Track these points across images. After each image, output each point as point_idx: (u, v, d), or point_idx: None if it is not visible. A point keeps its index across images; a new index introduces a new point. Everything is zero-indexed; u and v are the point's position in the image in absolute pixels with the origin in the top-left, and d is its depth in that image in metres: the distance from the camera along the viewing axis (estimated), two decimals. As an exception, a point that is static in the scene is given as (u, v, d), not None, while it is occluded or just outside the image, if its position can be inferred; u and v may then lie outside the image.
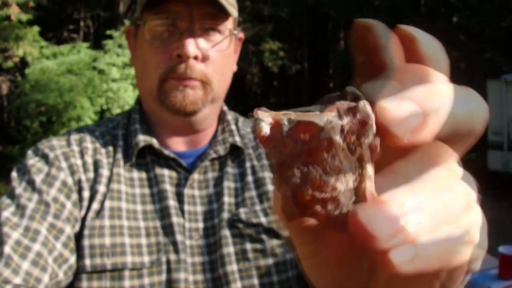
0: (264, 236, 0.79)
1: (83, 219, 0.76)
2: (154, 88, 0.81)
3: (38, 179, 0.75)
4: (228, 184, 0.83)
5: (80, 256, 0.73)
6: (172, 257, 0.75)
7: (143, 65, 0.83)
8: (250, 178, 0.85)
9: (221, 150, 0.85)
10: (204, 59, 0.79)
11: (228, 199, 0.82)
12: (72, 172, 0.78)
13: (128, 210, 0.77)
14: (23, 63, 11.64)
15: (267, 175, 0.85)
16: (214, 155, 0.85)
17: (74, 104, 10.26)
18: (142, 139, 0.82)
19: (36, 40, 11.13)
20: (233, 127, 0.90)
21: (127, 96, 10.75)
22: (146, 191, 0.80)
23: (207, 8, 0.77)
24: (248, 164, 0.87)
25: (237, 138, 0.88)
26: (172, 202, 0.79)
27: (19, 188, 0.75)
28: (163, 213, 0.78)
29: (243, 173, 0.86)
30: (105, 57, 10.84)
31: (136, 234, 0.75)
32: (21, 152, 11.01)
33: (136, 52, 0.85)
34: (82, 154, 0.81)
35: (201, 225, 0.79)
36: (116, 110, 10.75)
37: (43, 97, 10.14)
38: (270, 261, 0.78)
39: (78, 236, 0.74)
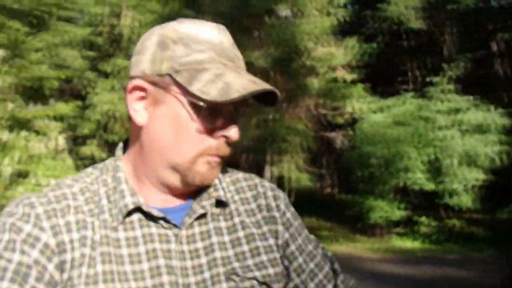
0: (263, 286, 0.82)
1: (71, 284, 0.74)
2: (183, 163, 0.80)
3: (19, 238, 0.73)
4: (218, 239, 0.84)
5: None
6: None
7: (177, 137, 0.79)
8: (241, 233, 0.87)
9: (208, 205, 0.85)
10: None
11: (219, 253, 0.83)
12: (55, 233, 0.75)
13: (119, 272, 0.76)
14: (354, 119, 12.72)
15: (260, 231, 0.88)
16: (201, 211, 0.84)
17: (401, 154, 10.48)
18: (131, 201, 0.80)
19: (363, 96, 12.05)
20: (216, 181, 0.90)
21: (455, 143, 10.30)
22: (134, 250, 0.79)
23: None
24: (237, 220, 0.88)
25: (221, 192, 0.88)
26: (162, 261, 0.79)
27: None
28: (153, 272, 0.77)
29: (233, 227, 0.87)
30: (430, 105, 10.76)
31: None
32: (353, 200, 11.92)
33: (160, 119, 0.80)
34: (63, 212, 0.78)
35: (192, 279, 0.79)
36: (445, 159, 10.44)
37: (372, 149, 10.76)
38: None
39: None
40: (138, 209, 0.81)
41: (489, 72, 13.96)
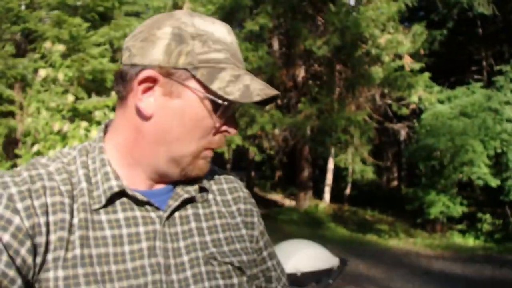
0: (234, 274, 0.87)
1: (46, 268, 0.73)
2: (189, 154, 0.83)
3: (6, 236, 0.70)
4: (196, 225, 0.87)
5: None
6: None
7: (185, 131, 0.81)
8: (217, 221, 0.91)
9: (192, 191, 0.88)
10: None
11: (198, 238, 0.86)
12: (29, 215, 0.73)
13: (99, 255, 0.76)
14: (420, 110, 12.26)
15: (235, 221, 0.94)
16: (186, 196, 0.87)
17: (466, 148, 9.97)
18: (115, 184, 0.80)
19: (429, 86, 11.56)
20: None
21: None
22: (117, 232, 0.79)
23: None
24: (214, 208, 0.92)
25: (204, 180, 0.91)
26: (144, 244, 0.80)
27: None
28: (134, 255, 0.79)
29: (210, 215, 0.91)
30: (499, 95, 10.10)
31: (109, 279, 0.75)
32: (415, 194, 11.53)
33: (169, 111, 0.80)
34: (38, 194, 0.76)
35: (172, 261, 0.82)
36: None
37: (435, 141, 10.34)
38: None
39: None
40: (121, 193, 0.81)
41: None
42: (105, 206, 0.80)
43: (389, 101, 12.76)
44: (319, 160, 18.17)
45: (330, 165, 15.78)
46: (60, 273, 0.73)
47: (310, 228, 12.39)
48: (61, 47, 7.95)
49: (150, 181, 0.86)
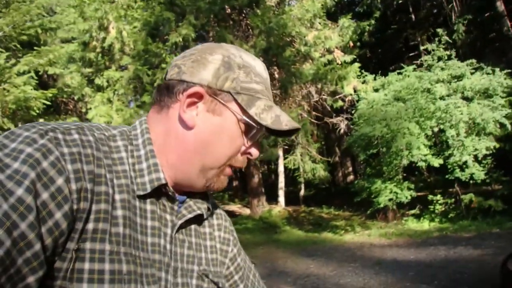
0: None
1: (84, 238, 0.72)
2: (217, 167, 0.91)
3: (33, 174, 0.67)
4: (195, 240, 0.95)
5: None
6: None
7: (218, 145, 0.89)
8: (208, 242, 0.99)
9: (202, 208, 0.96)
10: None
11: (195, 252, 0.94)
12: (77, 179, 0.72)
13: (134, 239, 0.79)
14: (357, 101, 12.34)
15: (219, 246, 1.02)
16: (198, 212, 0.94)
17: (402, 131, 10.01)
18: (163, 176, 0.85)
19: (362, 76, 11.64)
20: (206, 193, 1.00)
21: (459, 112, 9.72)
22: (144, 222, 0.83)
23: None
24: (207, 230, 1.01)
25: (210, 201, 1.00)
26: (162, 240, 0.85)
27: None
28: (154, 248, 0.83)
29: (203, 235, 0.99)
30: (429, 75, 10.21)
31: (139, 263, 0.79)
32: (361, 186, 11.53)
33: (208, 124, 0.88)
34: (88, 160, 0.76)
35: (179, 265, 0.89)
36: (449, 130, 9.90)
37: (371, 129, 10.36)
38: None
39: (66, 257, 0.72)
40: (160, 187, 0.86)
41: (498, 35, 13.11)
42: (146, 195, 0.84)
43: (324, 96, 12.80)
44: (271, 165, 18.09)
45: (281, 168, 15.70)
46: (106, 246, 0.74)
47: (265, 234, 12.27)
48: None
49: (172, 186, 0.91)
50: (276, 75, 13.35)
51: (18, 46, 10.25)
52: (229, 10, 12.91)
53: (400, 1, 12.90)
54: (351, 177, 18.94)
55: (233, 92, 0.87)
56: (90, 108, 12.28)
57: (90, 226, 0.73)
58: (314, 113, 13.57)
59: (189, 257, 0.92)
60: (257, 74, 0.91)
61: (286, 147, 15.01)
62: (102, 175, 0.77)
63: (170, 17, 11.39)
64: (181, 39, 11.18)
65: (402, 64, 12.17)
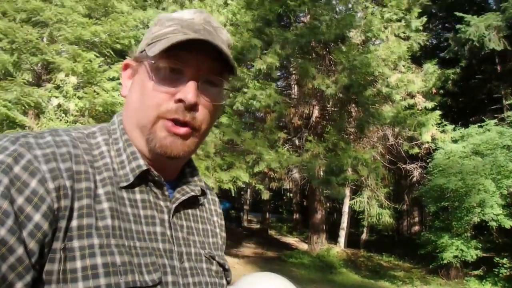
0: (223, 275, 0.97)
1: (70, 236, 0.72)
2: (147, 125, 0.85)
3: (6, 180, 0.67)
4: (193, 224, 0.95)
5: (66, 280, 0.70)
6: (170, 278, 0.82)
7: (141, 100, 0.86)
8: (208, 226, 1.00)
9: (196, 190, 0.95)
10: (201, 108, 0.87)
11: (196, 237, 0.94)
12: (54, 177, 0.72)
13: (126, 229, 0.79)
14: (434, 149, 12.07)
15: (217, 231, 1.04)
16: (192, 193, 0.93)
17: (477, 187, 9.67)
18: (143, 163, 0.85)
19: (441, 125, 11.41)
20: (198, 175, 1.00)
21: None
22: (136, 211, 0.83)
23: (215, 63, 0.86)
24: (205, 214, 1.01)
25: (203, 184, 0.99)
26: (158, 228, 0.84)
27: None
28: (151, 237, 0.82)
29: (202, 219, 0.99)
30: (510, 131, 9.84)
31: (136, 253, 0.78)
32: (427, 238, 11.14)
33: (134, 86, 0.89)
34: (64, 158, 0.76)
35: (183, 249, 0.88)
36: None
37: (446, 181, 10.10)
38: None
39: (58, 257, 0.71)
40: (143, 174, 0.85)
41: None
42: (133, 184, 0.84)
43: (400, 141, 12.61)
44: (335, 204, 17.90)
45: (346, 208, 15.52)
46: (95, 240, 0.73)
47: (321, 272, 12.14)
48: (73, 79, 8.36)
49: (152, 169, 0.89)
50: (354, 113, 13.37)
51: (112, 53, 11.05)
52: (314, 43, 13.21)
53: (487, 51, 12.53)
54: (417, 227, 18.31)
55: (146, 47, 0.86)
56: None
57: (75, 223, 0.72)
58: (388, 156, 13.39)
59: (192, 241, 0.92)
60: (172, 19, 0.88)
61: (354, 187, 14.87)
62: (81, 172, 0.77)
63: (257, 44, 11.85)
64: (265, 67, 11.57)
65: (483, 117, 11.80)
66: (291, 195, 26.26)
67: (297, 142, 13.91)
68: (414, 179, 13.40)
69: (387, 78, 12.18)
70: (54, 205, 0.70)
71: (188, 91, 0.83)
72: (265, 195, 12.63)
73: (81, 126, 0.89)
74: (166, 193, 0.88)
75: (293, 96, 15.89)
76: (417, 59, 13.75)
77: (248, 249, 15.77)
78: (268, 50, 12.00)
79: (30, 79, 8.98)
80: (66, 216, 0.71)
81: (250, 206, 27.51)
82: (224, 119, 11.39)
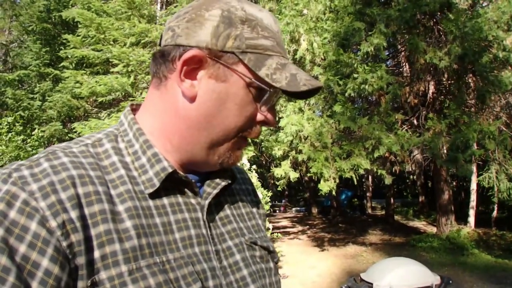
0: (269, 258, 0.94)
1: (95, 270, 0.68)
2: (227, 139, 0.82)
3: (2, 228, 0.62)
4: (230, 212, 0.92)
5: None
6: (211, 283, 0.78)
7: (230, 113, 0.80)
8: (243, 210, 0.97)
9: (227, 179, 0.90)
10: None
11: (235, 225, 0.90)
12: (56, 213, 0.66)
13: (155, 244, 0.75)
14: None
15: (255, 210, 1.01)
16: (223, 183, 0.88)
17: None
18: (168, 164, 0.80)
19: None
20: None
21: None
22: (165, 219, 0.78)
23: None
24: (237, 197, 0.98)
25: (232, 172, 0.94)
26: (193, 231, 0.80)
27: None
28: (185, 242, 0.78)
29: (236, 203, 0.96)
30: None
31: (171, 268, 0.74)
32: None
33: (211, 94, 0.79)
34: (65, 185, 0.69)
35: (220, 247, 0.84)
36: None
37: None
38: (274, 279, 0.92)
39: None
40: (169, 176, 0.79)
41: None
42: (158, 189, 0.78)
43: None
44: (461, 182, 17.06)
45: (473, 185, 14.78)
46: (123, 268, 0.68)
47: (451, 255, 11.82)
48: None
49: (183, 169, 0.85)
50: (472, 84, 12.71)
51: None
52: (419, 16, 12.78)
53: None
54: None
55: (237, 52, 0.77)
56: (282, 117, 13.27)
57: (97, 254, 0.68)
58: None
59: (229, 233, 0.87)
60: (265, 28, 0.80)
61: (480, 162, 14.11)
62: (91, 193, 0.71)
63: (360, 27, 11.80)
64: (372, 49, 11.50)
65: None
66: (414, 177, 25.50)
67: (415, 121, 13.59)
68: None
69: (502, 41, 11.42)
70: (63, 244, 0.65)
71: (273, 118, 0.84)
72: (388, 180, 12.51)
73: (84, 136, 0.83)
74: (196, 189, 0.83)
75: (405, 74, 15.50)
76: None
77: (375, 236, 15.81)
78: (372, 31, 11.89)
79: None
80: (83, 251, 0.67)
81: (373, 192, 27.24)
82: (337, 108, 11.50)
